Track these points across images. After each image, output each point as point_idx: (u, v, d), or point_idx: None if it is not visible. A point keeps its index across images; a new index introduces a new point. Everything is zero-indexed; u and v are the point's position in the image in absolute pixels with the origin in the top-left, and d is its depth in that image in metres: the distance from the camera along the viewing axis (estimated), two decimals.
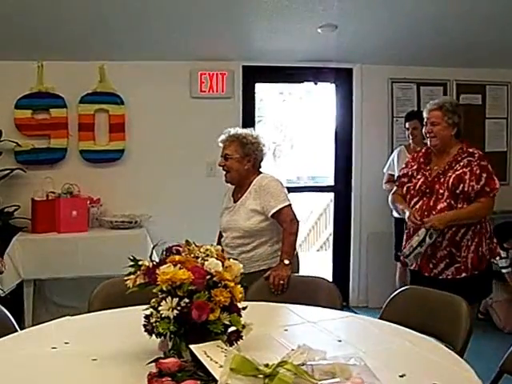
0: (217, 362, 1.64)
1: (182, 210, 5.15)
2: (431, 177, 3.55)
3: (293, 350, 1.77)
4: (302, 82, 5.74)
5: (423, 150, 3.74)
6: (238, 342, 1.86)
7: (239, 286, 1.93)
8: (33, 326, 2.57)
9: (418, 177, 3.60)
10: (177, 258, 1.93)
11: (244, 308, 1.94)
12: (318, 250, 9.01)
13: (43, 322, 2.44)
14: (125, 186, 5.15)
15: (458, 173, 3.47)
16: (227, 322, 1.84)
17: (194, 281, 1.83)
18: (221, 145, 3.46)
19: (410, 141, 5.07)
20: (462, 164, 3.51)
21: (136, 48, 4.92)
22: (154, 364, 1.68)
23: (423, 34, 4.93)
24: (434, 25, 4.76)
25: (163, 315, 1.80)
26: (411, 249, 3.49)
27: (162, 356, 1.76)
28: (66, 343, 2.12)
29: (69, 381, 1.81)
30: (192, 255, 1.98)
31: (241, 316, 1.89)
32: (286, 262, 3.18)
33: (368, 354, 1.87)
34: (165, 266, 1.89)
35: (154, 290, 1.87)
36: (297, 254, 3.45)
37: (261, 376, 1.60)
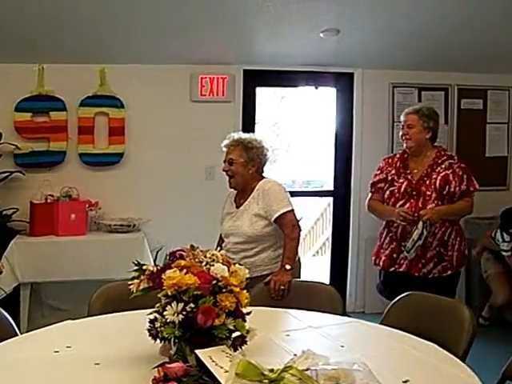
0: (222, 367, 1.64)
1: (180, 213, 5.14)
2: (415, 179, 3.73)
3: (296, 355, 1.78)
4: (303, 86, 5.74)
5: (398, 155, 3.92)
6: (243, 347, 1.85)
7: (245, 291, 1.93)
8: (28, 329, 2.56)
9: (401, 180, 3.76)
10: (182, 262, 1.93)
11: (248, 313, 1.94)
12: (314, 255, 9.00)
13: (39, 326, 2.43)
14: (123, 190, 5.14)
15: (442, 174, 3.70)
16: (232, 327, 1.83)
17: (200, 286, 1.82)
18: (224, 149, 3.44)
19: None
20: (443, 166, 3.74)
21: (136, 51, 4.92)
22: (157, 369, 1.68)
23: (424, 39, 4.94)
24: (435, 30, 4.76)
25: (168, 320, 1.79)
26: (413, 242, 3.58)
27: (167, 360, 1.76)
28: (68, 347, 2.11)
29: None
30: (196, 260, 1.98)
31: (245, 321, 1.89)
32: (288, 267, 3.18)
33: (371, 359, 1.87)
34: (170, 270, 1.88)
35: (159, 295, 1.87)
36: (299, 259, 3.45)
37: (266, 381, 1.60)
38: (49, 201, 4.76)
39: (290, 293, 3.08)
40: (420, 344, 2.17)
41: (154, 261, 2.10)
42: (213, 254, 1.96)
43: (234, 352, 1.78)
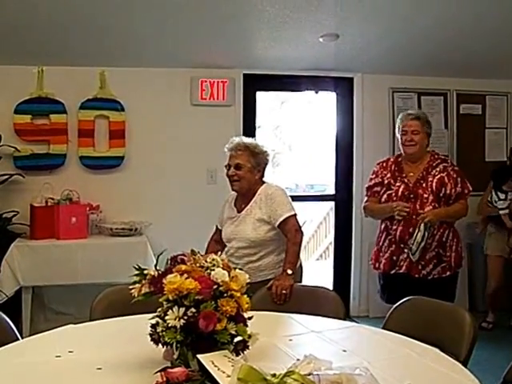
0: (224, 372, 1.63)
1: (182, 217, 5.14)
2: (412, 183, 3.80)
3: (299, 359, 1.77)
4: (303, 90, 5.75)
5: (392, 159, 4.00)
6: (245, 352, 1.85)
7: (245, 295, 1.93)
8: (31, 333, 2.55)
9: (398, 184, 3.82)
10: (183, 267, 1.92)
11: (250, 318, 1.94)
12: (317, 259, 9.01)
13: (41, 330, 2.42)
14: (125, 193, 5.14)
15: (437, 177, 3.78)
16: (233, 332, 1.83)
17: (201, 290, 1.82)
18: (229, 153, 3.42)
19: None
20: (438, 169, 3.83)
21: (137, 54, 4.93)
22: (159, 373, 1.67)
23: (424, 45, 4.95)
24: (434, 35, 4.78)
25: (170, 325, 1.79)
26: (417, 244, 3.63)
27: (169, 365, 1.76)
28: (71, 352, 2.11)
29: None
30: (197, 265, 1.97)
31: (247, 326, 1.89)
32: (289, 271, 3.18)
33: (373, 363, 1.87)
34: (171, 275, 1.88)
35: (161, 300, 1.87)
36: (300, 263, 3.45)
37: None
38: (49, 204, 4.74)
39: (291, 297, 3.07)
40: (421, 348, 2.17)
41: (155, 265, 2.10)
42: (213, 259, 1.96)
43: (236, 357, 1.78)
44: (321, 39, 4.81)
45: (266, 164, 3.46)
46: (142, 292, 1.98)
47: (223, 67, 5.27)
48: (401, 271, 3.78)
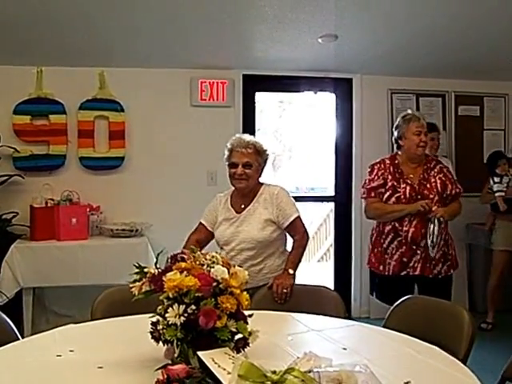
0: (225, 369, 1.64)
1: (183, 218, 5.08)
2: (416, 184, 3.79)
3: (299, 357, 1.78)
4: (302, 91, 5.76)
5: (387, 161, 3.92)
6: (245, 349, 1.86)
7: (245, 293, 1.93)
8: (32, 335, 2.55)
9: (403, 186, 3.79)
10: (183, 264, 1.93)
11: (250, 315, 1.94)
12: (318, 261, 9.03)
13: (43, 331, 2.41)
14: (125, 194, 5.16)
15: (438, 177, 3.80)
16: (234, 329, 1.84)
17: (201, 288, 1.83)
18: (235, 150, 3.30)
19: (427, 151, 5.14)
20: (436, 170, 3.84)
21: (136, 55, 4.94)
22: (160, 371, 1.68)
23: (422, 46, 4.97)
24: (433, 37, 4.79)
25: (170, 322, 1.79)
26: (436, 237, 3.68)
27: (170, 363, 1.76)
28: (71, 351, 2.11)
29: None
30: (197, 262, 1.98)
31: (247, 323, 1.90)
32: (291, 271, 3.18)
33: (373, 361, 1.87)
34: (171, 272, 1.89)
35: (161, 297, 1.87)
36: None
37: (268, 382, 1.60)
38: (49, 205, 4.75)
39: (292, 297, 3.07)
40: (421, 346, 2.17)
41: (156, 263, 2.10)
42: (213, 256, 1.97)
43: (236, 354, 1.78)
44: (320, 40, 4.82)
45: (266, 164, 3.43)
46: (143, 290, 1.98)
47: (223, 68, 5.29)
48: (416, 273, 3.75)
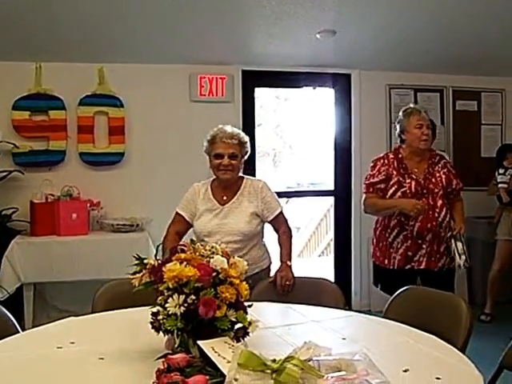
0: (225, 358, 1.65)
1: None
2: (421, 178, 3.77)
3: (298, 346, 1.80)
4: (301, 86, 5.78)
5: (391, 156, 3.89)
6: (245, 339, 1.87)
7: (244, 283, 1.95)
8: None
9: (408, 181, 3.77)
10: (182, 255, 1.94)
11: (250, 305, 1.96)
12: (319, 256, 9.06)
13: None
14: (125, 189, 5.17)
15: (443, 172, 3.79)
16: (234, 319, 1.85)
17: (201, 278, 1.84)
18: (219, 141, 3.28)
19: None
20: (440, 165, 3.84)
21: (136, 50, 4.96)
22: (161, 361, 1.69)
23: (421, 42, 4.98)
24: (431, 32, 4.81)
25: (170, 312, 1.80)
26: (465, 254, 3.69)
27: (170, 352, 1.78)
28: (72, 343, 2.12)
29: (76, 379, 1.81)
30: (197, 253, 1.99)
31: (247, 313, 1.91)
32: (289, 263, 3.20)
33: (372, 350, 1.89)
34: (171, 263, 1.90)
35: (161, 288, 1.88)
36: (270, 264, 3.44)
37: (268, 371, 1.62)
38: (49, 200, 4.76)
39: (292, 289, 3.09)
40: (420, 336, 2.19)
41: (155, 255, 2.12)
42: (212, 247, 1.98)
43: (236, 343, 1.79)
44: (318, 35, 4.84)
45: (246, 156, 3.41)
46: (143, 281, 1.99)
47: (222, 64, 5.30)
48: (421, 267, 3.76)
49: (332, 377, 1.61)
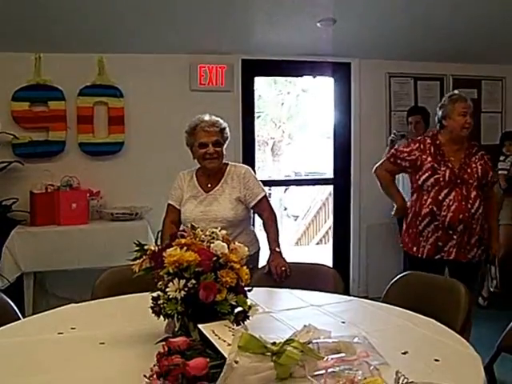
0: (225, 341, 1.66)
1: None
2: (456, 168, 3.66)
3: (298, 330, 1.81)
4: (301, 75, 5.77)
5: (428, 140, 3.77)
6: (245, 323, 1.88)
7: (245, 267, 1.96)
8: None
9: (443, 168, 3.65)
10: (183, 241, 1.95)
11: (250, 290, 1.97)
12: (317, 244, 9.09)
13: None
14: (125, 179, 5.15)
15: (479, 163, 3.68)
16: (234, 303, 1.86)
17: (201, 262, 1.85)
18: (201, 130, 3.31)
19: (411, 133, 5.23)
20: (477, 157, 3.72)
21: (135, 40, 4.93)
22: (161, 345, 1.70)
23: (421, 30, 4.98)
24: (431, 21, 4.80)
25: (170, 296, 1.82)
26: (497, 279, 3.69)
27: (171, 336, 1.79)
28: (73, 328, 2.14)
29: (78, 364, 1.82)
30: (197, 239, 2.00)
31: (247, 297, 1.92)
32: (278, 249, 3.19)
33: (371, 333, 1.91)
34: (171, 248, 1.91)
35: (161, 273, 1.89)
36: (258, 249, 3.44)
37: (268, 354, 1.63)
38: (49, 190, 4.76)
39: (290, 274, 3.08)
40: (419, 319, 2.21)
41: (155, 241, 2.13)
42: (213, 232, 1.99)
43: (236, 327, 1.81)
44: (318, 24, 4.83)
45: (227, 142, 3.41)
46: (143, 267, 2.00)
47: (222, 53, 5.28)
48: (450, 257, 3.66)
49: (332, 358, 1.62)
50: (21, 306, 4.39)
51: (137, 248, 2.04)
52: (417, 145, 3.78)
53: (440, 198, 3.62)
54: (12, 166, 4.82)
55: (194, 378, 1.51)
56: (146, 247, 2.02)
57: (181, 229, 3.06)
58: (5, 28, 4.48)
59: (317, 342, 1.73)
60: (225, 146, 3.35)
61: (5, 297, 2.58)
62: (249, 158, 5.32)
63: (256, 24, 4.90)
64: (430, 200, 3.66)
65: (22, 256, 4.46)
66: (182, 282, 1.82)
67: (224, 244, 1.93)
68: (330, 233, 6.41)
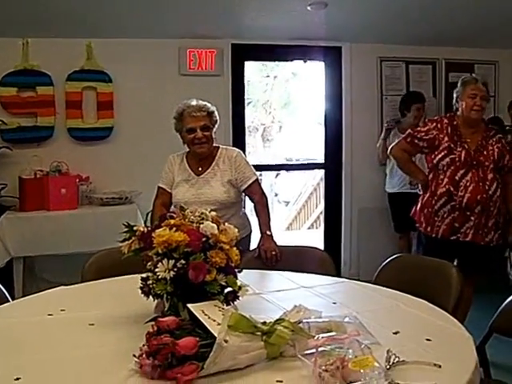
0: (215, 320, 1.64)
1: None
2: (472, 150, 3.64)
3: (288, 310, 1.80)
4: (292, 60, 5.75)
5: (446, 120, 3.75)
6: (235, 303, 1.87)
7: (235, 248, 1.94)
8: None
9: (459, 149, 3.63)
10: (172, 221, 1.94)
11: (240, 271, 1.95)
12: (309, 228, 9.10)
13: None
14: (114, 164, 5.12)
15: (496, 146, 3.66)
16: (223, 283, 1.85)
17: (190, 243, 1.83)
18: (188, 116, 3.29)
19: (411, 120, 5.16)
20: (494, 139, 3.69)
21: (124, 25, 4.88)
22: (151, 325, 1.69)
23: (412, 13, 4.93)
24: (423, 4, 4.76)
25: (160, 277, 1.80)
26: None
27: (160, 315, 1.78)
28: (62, 310, 2.13)
29: (67, 344, 1.81)
30: (186, 220, 1.98)
31: (237, 278, 1.91)
32: (269, 232, 3.18)
33: (362, 314, 1.90)
34: (160, 229, 1.89)
35: (150, 253, 1.88)
36: (251, 232, 3.44)
37: (258, 333, 1.62)
38: (38, 176, 4.73)
39: (281, 257, 3.07)
40: (411, 300, 2.21)
41: (145, 222, 2.11)
42: (202, 213, 1.97)
43: (226, 306, 1.79)
44: (309, 8, 4.78)
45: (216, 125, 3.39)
46: (132, 248, 1.98)
47: (211, 37, 5.24)
48: (467, 239, 3.64)
49: (322, 337, 1.61)
50: (10, 290, 4.33)
51: (126, 229, 2.02)
52: (434, 124, 3.75)
53: (457, 178, 3.60)
54: (1, 152, 4.79)
55: (184, 357, 1.50)
56: (135, 228, 2.00)
57: (171, 210, 3.05)
58: None
59: (307, 322, 1.72)
60: (214, 129, 3.33)
61: None
62: (239, 144, 5.29)
63: (246, 8, 4.85)
64: (446, 180, 3.64)
65: (12, 241, 4.45)
66: (172, 262, 1.81)
67: (213, 225, 1.91)
68: (322, 217, 6.40)
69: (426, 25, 5.15)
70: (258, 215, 3.29)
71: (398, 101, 5.48)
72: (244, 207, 3.51)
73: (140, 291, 1.88)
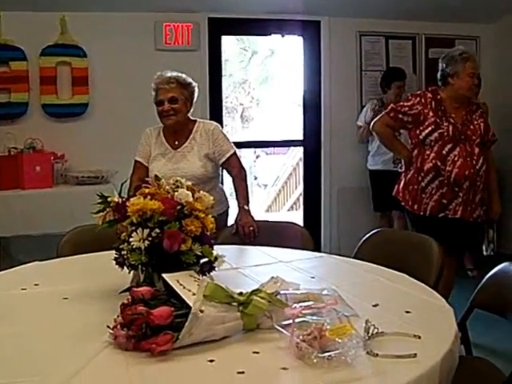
0: (190, 290, 1.61)
1: None
2: (458, 124, 3.59)
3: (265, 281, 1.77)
4: (269, 34, 5.67)
5: (429, 95, 3.66)
6: (211, 274, 1.83)
7: (210, 216, 1.90)
8: None
9: (445, 124, 3.56)
10: (147, 190, 1.89)
11: (215, 240, 1.92)
12: (288, 210, 9.09)
13: None
14: (90, 141, 5.02)
15: (480, 121, 3.64)
16: (199, 253, 1.81)
17: (165, 211, 1.79)
18: (158, 88, 3.29)
19: (392, 97, 5.11)
20: (477, 114, 3.67)
21: None
22: (126, 297, 1.65)
23: None
24: None
25: (134, 246, 1.76)
26: (494, 243, 3.78)
27: (134, 285, 1.74)
28: (36, 285, 2.10)
29: (41, 318, 1.79)
30: (162, 189, 1.94)
31: (212, 248, 1.87)
32: (246, 207, 3.15)
33: (341, 287, 1.86)
34: (134, 198, 1.85)
35: (124, 224, 1.83)
36: (228, 208, 3.42)
37: (235, 304, 1.59)
38: (12, 153, 4.64)
39: (259, 233, 3.04)
40: (391, 274, 2.19)
41: (119, 193, 2.06)
42: (176, 181, 1.92)
43: (202, 277, 1.76)
44: None
45: (194, 98, 3.33)
46: (107, 219, 1.94)
47: (187, 11, 5.14)
48: (456, 216, 3.57)
49: (300, 306, 1.58)
50: None
51: (100, 200, 1.97)
52: (418, 99, 3.66)
53: (444, 152, 3.53)
54: None
55: (158, 327, 1.47)
56: (109, 199, 1.95)
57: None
58: None
59: (285, 294, 1.69)
60: (190, 102, 3.27)
61: None
62: (217, 120, 5.23)
63: None
64: (433, 155, 3.56)
65: None
66: (146, 231, 1.77)
67: (188, 192, 1.87)
68: (301, 199, 6.37)
69: None
70: (235, 189, 3.26)
71: (378, 76, 5.45)
72: (222, 183, 3.46)
73: (114, 262, 1.83)
